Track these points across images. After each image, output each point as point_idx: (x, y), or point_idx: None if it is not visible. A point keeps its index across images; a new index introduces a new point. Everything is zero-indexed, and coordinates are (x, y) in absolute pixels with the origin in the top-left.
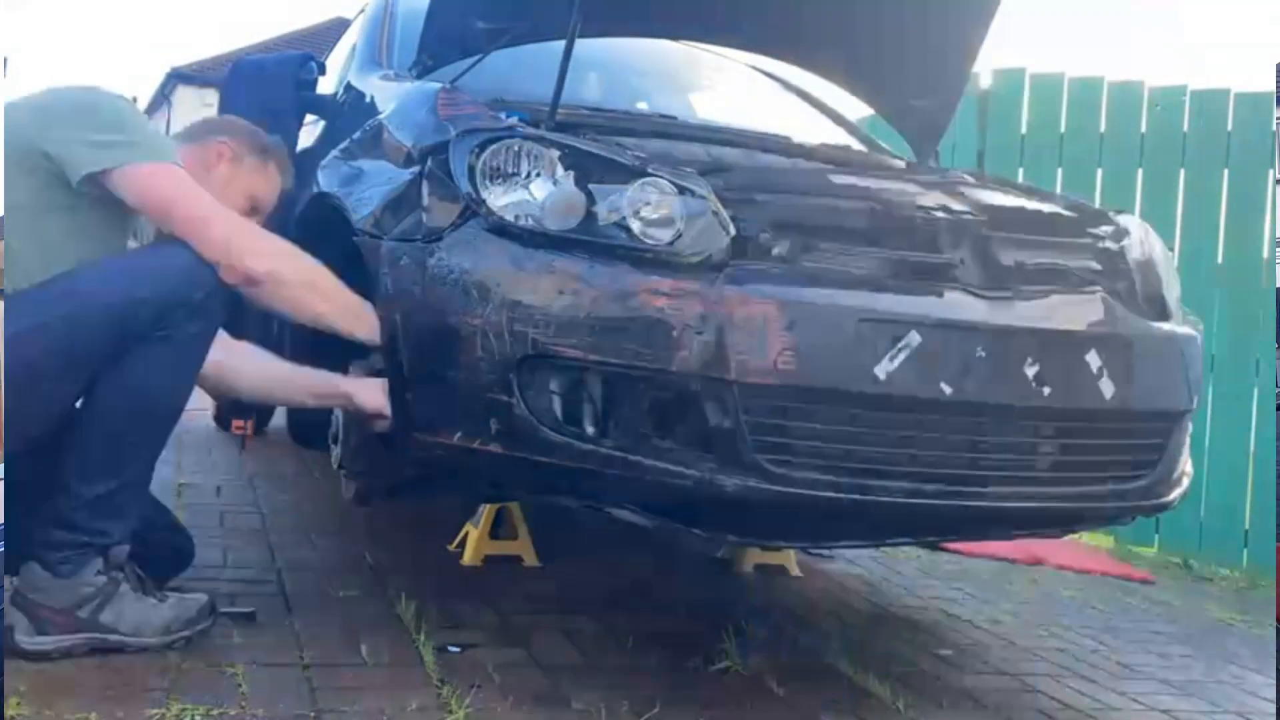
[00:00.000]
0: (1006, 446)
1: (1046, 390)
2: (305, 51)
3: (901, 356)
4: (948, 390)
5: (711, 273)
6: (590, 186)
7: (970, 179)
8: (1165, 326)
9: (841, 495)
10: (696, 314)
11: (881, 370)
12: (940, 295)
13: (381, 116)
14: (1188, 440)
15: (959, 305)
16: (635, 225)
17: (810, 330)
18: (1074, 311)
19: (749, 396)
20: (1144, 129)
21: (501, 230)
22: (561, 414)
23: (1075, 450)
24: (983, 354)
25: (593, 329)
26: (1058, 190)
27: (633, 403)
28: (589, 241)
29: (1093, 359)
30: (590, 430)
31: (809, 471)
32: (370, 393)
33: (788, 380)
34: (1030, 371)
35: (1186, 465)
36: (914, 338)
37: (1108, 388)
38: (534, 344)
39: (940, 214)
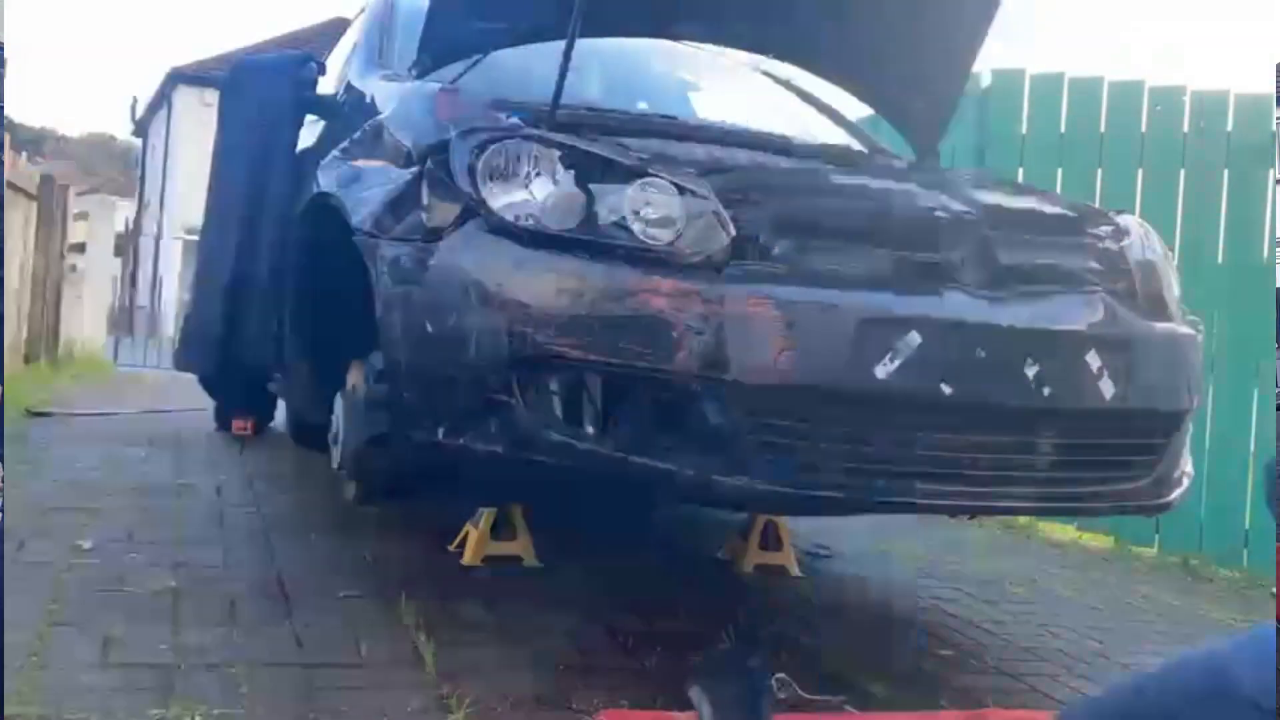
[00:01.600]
0: (1006, 446)
1: (1046, 390)
2: (305, 51)
3: (901, 357)
4: (947, 390)
5: (711, 273)
6: (590, 186)
7: (970, 179)
8: (1165, 327)
9: (841, 495)
10: (696, 314)
11: (881, 370)
12: (940, 295)
13: (381, 117)
14: (1188, 440)
15: (959, 305)
16: (635, 225)
17: (810, 330)
18: (1074, 311)
19: (749, 396)
20: (1144, 129)
21: (502, 230)
22: (562, 414)
23: (1075, 450)
24: (982, 354)
25: (593, 329)
26: (1058, 190)
27: (633, 403)
28: (589, 241)
29: (1093, 359)
30: (590, 430)
31: (809, 472)
32: None
33: (787, 380)
34: (1030, 372)
35: (1187, 465)
36: (914, 338)
37: (1108, 388)
38: (534, 344)
39: (940, 214)
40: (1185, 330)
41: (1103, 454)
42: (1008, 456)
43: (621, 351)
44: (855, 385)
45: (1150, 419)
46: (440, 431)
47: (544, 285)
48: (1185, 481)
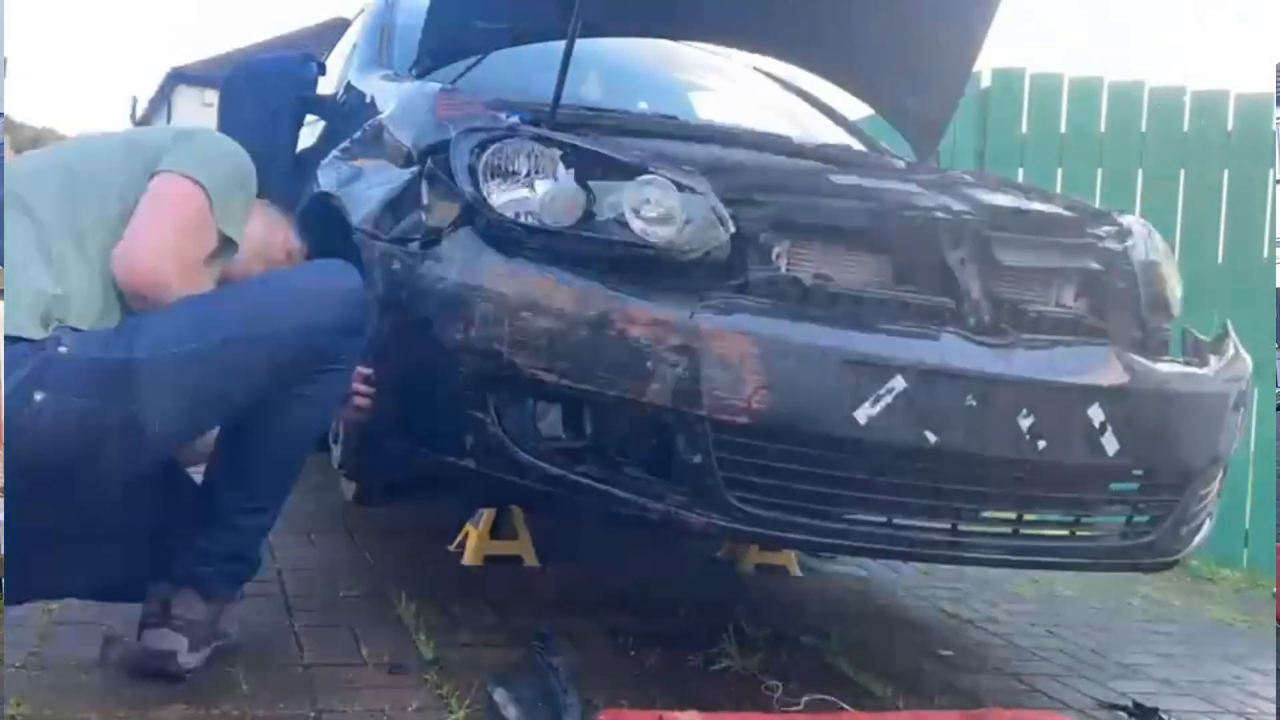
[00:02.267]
0: (988, 480)
1: (1041, 443)
2: (305, 51)
3: (891, 387)
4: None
5: (691, 301)
6: (590, 184)
7: (970, 179)
8: (1185, 378)
9: (810, 538)
10: (673, 345)
11: (863, 415)
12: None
13: (381, 116)
14: (1212, 491)
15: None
16: (635, 223)
17: (788, 367)
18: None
19: (721, 433)
20: (1144, 129)
21: (502, 230)
22: (535, 435)
23: (1070, 506)
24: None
25: (568, 355)
26: (1058, 190)
27: (605, 431)
28: (589, 239)
29: (1095, 414)
30: (560, 456)
31: (779, 513)
32: None
33: (761, 420)
34: (1024, 424)
35: (1203, 516)
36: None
37: (1110, 443)
38: (509, 364)
39: (940, 214)
40: (1211, 385)
41: (1094, 511)
42: (991, 501)
43: (595, 379)
44: (833, 428)
45: (1154, 477)
46: (419, 441)
47: (526, 303)
48: (1197, 537)
